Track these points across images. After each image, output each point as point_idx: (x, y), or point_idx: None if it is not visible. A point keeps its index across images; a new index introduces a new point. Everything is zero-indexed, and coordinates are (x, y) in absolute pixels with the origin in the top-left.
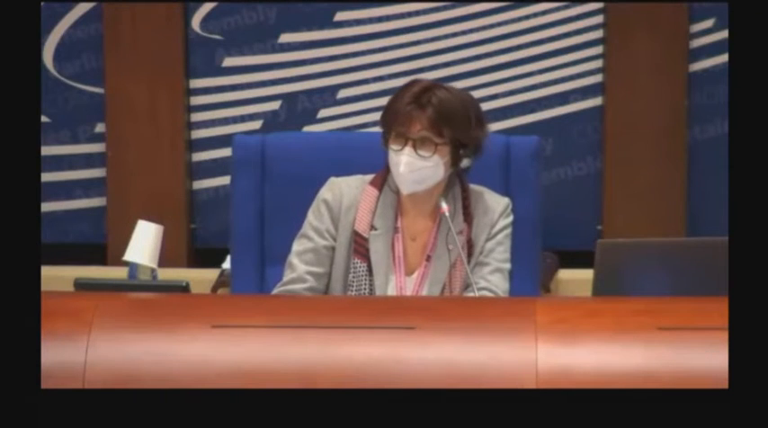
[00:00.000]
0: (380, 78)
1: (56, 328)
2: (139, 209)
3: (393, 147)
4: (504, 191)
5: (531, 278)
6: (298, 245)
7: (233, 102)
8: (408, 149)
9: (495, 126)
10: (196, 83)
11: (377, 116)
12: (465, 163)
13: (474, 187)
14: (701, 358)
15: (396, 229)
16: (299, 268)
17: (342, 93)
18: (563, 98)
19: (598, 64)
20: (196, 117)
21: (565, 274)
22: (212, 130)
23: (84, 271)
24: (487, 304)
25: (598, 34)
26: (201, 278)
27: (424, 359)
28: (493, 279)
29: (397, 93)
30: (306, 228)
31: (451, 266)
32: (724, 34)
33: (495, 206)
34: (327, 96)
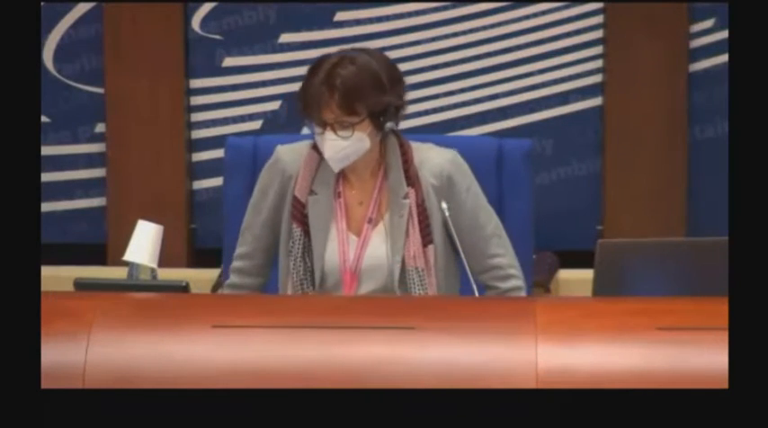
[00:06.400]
0: None
1: (56, 328)
2: (139, 209)
3: (316, 130)
4: (498, 193)
5: (525, 278)
6: (246, 217)
7: (233, 102)
8: (328, 133)
9: (494, 126)
10: (196, 83)
11: None
12: (390, 125)
13: (415, 144)
14: (701, 358)
15: (338, 194)
16: (241, 248)
17: None
18: (563, 98)
19: (598, 64)
20: (196, 117)
21: (565, 274)
22: (212, 130)
23: (84, 272)
24: (487, 304)
25: (598, 34)
26: (201, 278)
27: (424, 359)
28: (493, 252)
29: (306, 76)
30: (251, 202)
31: (406, 231)
32: (724, 34)
33: (441, 164)
34: None
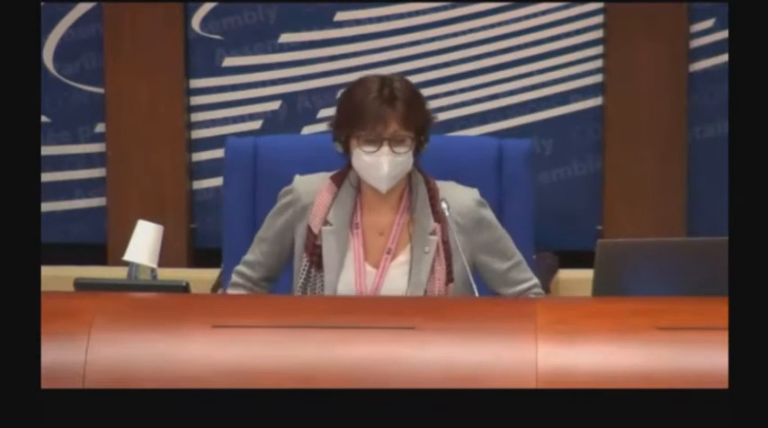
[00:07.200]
0: None
1: (56, 328)
2: (139, 209)
3: (365, 148)
4: (498, 193)
5: None
6: (263, 227)
7: (233, 102)
8: (386, 149)
9: (494, 126)
10: (196, 83)
11: None
12: (426, 146)
13: (439, 182)
14: (701, 358)
15: (354, 225)
16: (250, 256)
17: None
18: (563, 98)
19: (598, 64)
20: (196, 117)
21: (565, 274)
22: (212, 130)
23: (84, 272)
24: (487, 304)
25: (598, 34)
26: (201, 278)
27: (424, 359)
28: (521, 278)
29: (353, 92)
30: (269, 214)
31: (431, 266)
32: (724, 34)
33: (468, 203)
34: (327, 96)
